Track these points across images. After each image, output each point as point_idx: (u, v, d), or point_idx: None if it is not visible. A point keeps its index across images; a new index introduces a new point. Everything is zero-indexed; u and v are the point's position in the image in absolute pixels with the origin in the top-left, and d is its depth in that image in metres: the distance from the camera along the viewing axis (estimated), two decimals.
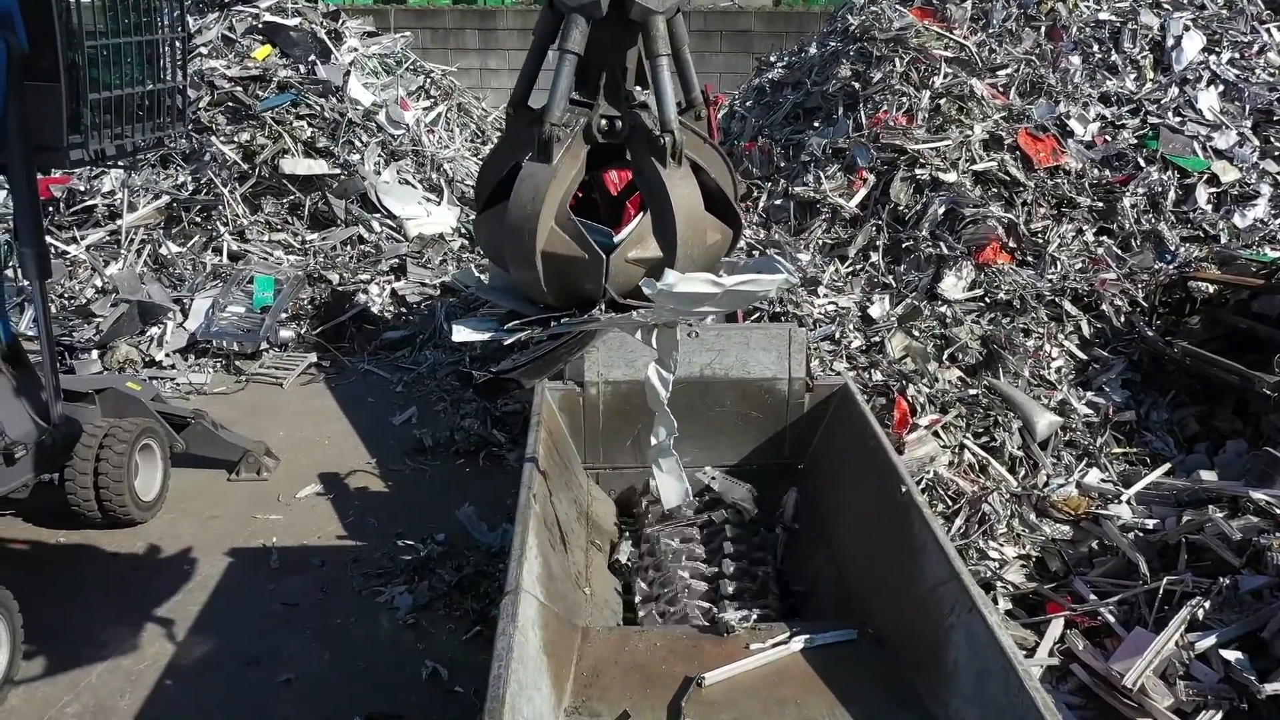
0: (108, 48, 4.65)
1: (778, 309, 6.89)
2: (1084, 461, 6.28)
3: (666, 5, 3.17)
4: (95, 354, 8.29)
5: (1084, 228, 7.82)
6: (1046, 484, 6.09)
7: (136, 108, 4.88)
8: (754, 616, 3.52)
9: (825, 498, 4.47)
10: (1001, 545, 5.61)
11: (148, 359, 8.36)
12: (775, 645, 3.32)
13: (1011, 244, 7.71)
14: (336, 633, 5.26)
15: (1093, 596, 5.04)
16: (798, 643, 3.36)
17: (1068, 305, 7.24)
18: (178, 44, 5.04)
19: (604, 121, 3.29)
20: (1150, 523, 5.54)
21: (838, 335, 6.89)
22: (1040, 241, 7.71)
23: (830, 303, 7.23)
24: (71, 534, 6.07)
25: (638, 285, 3.15)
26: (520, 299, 3.44)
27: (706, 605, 3.92)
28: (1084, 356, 7.03)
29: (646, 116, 3.27)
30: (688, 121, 3.38)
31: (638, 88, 3.40)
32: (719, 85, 13.49)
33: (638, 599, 4.10)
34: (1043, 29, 9.29)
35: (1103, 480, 6.13)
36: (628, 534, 4.64)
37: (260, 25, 11.74)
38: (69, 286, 9.14)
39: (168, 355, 8.42)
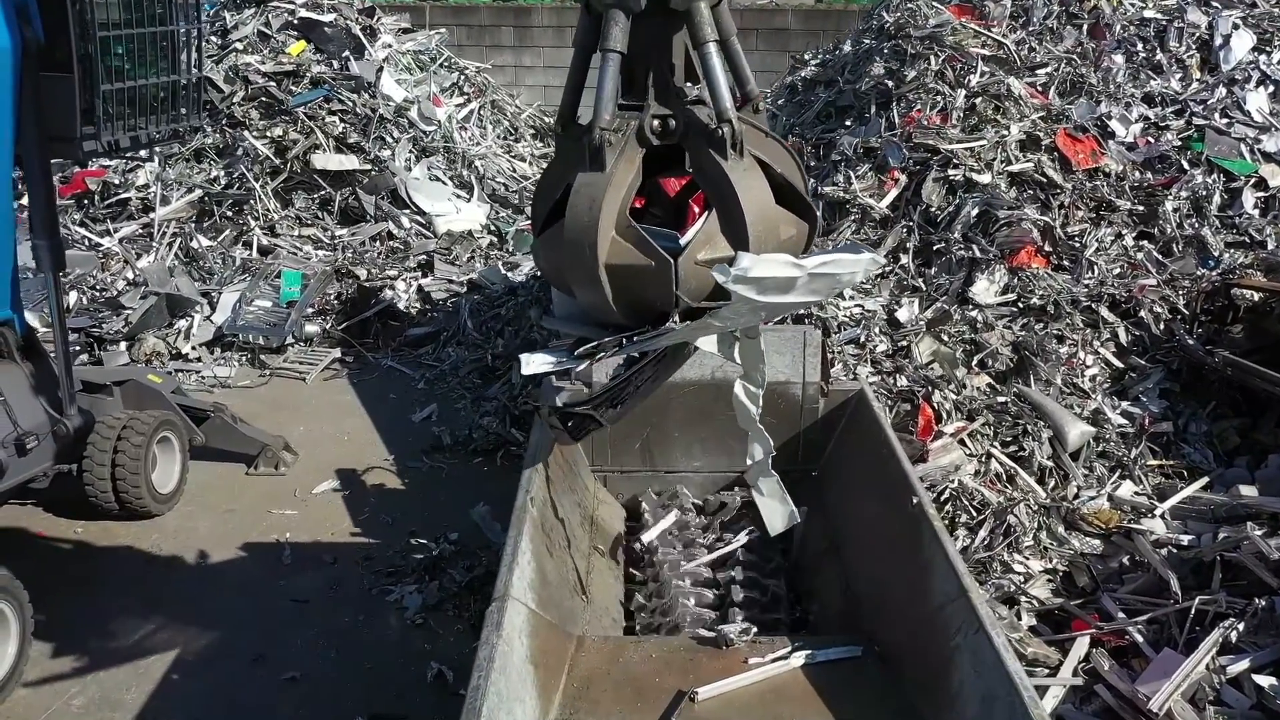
0: (123, 39, 4.64)
1: (801, 310, 6.74)
2: (1117, 473, 6.06)
3: None
4: (123, 346, 8.35)
5: (1123, 232, 7.56)
6: (1077, 496, 5.89)
7: (152, 99, 4.87)
8: (754, 630, 3.40)
9: (838, 506, 4.33)
10: (1027, 558, 5.43)
11: (174, 351, 8.41)
12: (775, 660, 3.19)
13: (1047, 247, 7.48)
14: (344, 631, 5.23)
15: (1121, 614, 4.86)
16: (798, 658, 3.23)
17: (1104, 311, 7.01)
18: (194, 36, 5.01)
19: (656, 122, 3.14)
20: (1185, 539, 5.33)
21: (863, 339, 6.73)
22: (1077, 245, 7.47)
23: (856, 305, 7.06)
24: (89, 525, 6.11)
25: (712, 290, 2.96)
26: (589, 325, 3.30)
27: (707, 616, 3.80)
28: (1120, 365, 6.79)
29: (701, 111, 3.12)
30: (746, 116, 3.22)
31: (688, 84, 3.25)
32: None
33: (634, 607, 3.98)
34: (1085, 27, 9.02)
35: (1136, 493, 5.91)
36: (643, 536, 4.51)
37: (296, 21, 11.80)
38: (100, 278, 9.22)
39: (194, 348, 8.47)
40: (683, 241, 3.11)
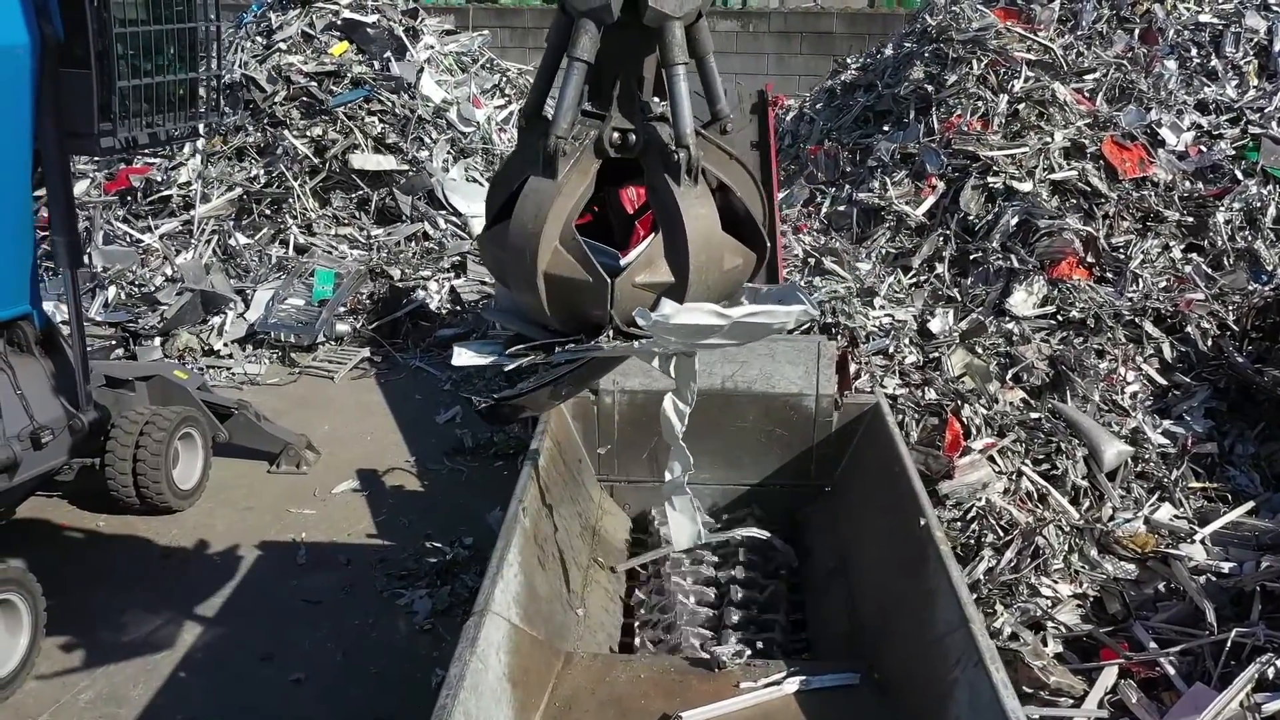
0: (140, 35, 4.65)
1: (829, 319, 6.59)
2: (1156, 495, 5.81)
3: (685, 10, 2.94)
4: (158, 341, 8.44)
5: (1171, 244, 7.30)
6: (1112, 518, 5.65)
7: (170, 96, 4.87)
8: (747, 653, 3.26)
9: (849, 525, 4.18)
10: (1056, 582, 5.21)
11: (207, 348, 8.48)
12: (768, 685, 3.06)
13: (1089, 259, 7.24)
14: (353, 634, 5.19)
15: (1153, 645, 4.63)
16: (792, 684, 3.10)
17: (1148, 326, 6.75)
18: (214, 33, 5.01)
19: (616, 135, 3.08)
20: (1225, 566, 5.08)
21: (891, 349, 6.55)
22: (1121, 257, 7.23)
23: (887, 315, 6.88)
24: (111, 519, 6.15)
25: None
26: (526, 322, 3.27)
27: (706, 635, 3.67)
28: (1164, 382, 6.53)
29: (663, 130, 3.05)
30: (713, 136, 3.16)
31: (656, 98, 3.18)
32: (798, 87, 13.17)
33: (637, 624, 3.86)
34: (1136, 32, 8.74)
35: (1175, 517, 5.65)
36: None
37: (339, 22, 11.88)
38: (140, 274, 9.34)
39: (226, 345, 8.52)
40: (623, 262, 3.07)
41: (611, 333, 2.99)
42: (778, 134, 9.37)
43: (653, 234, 3.09)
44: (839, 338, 6.33)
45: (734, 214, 3.14)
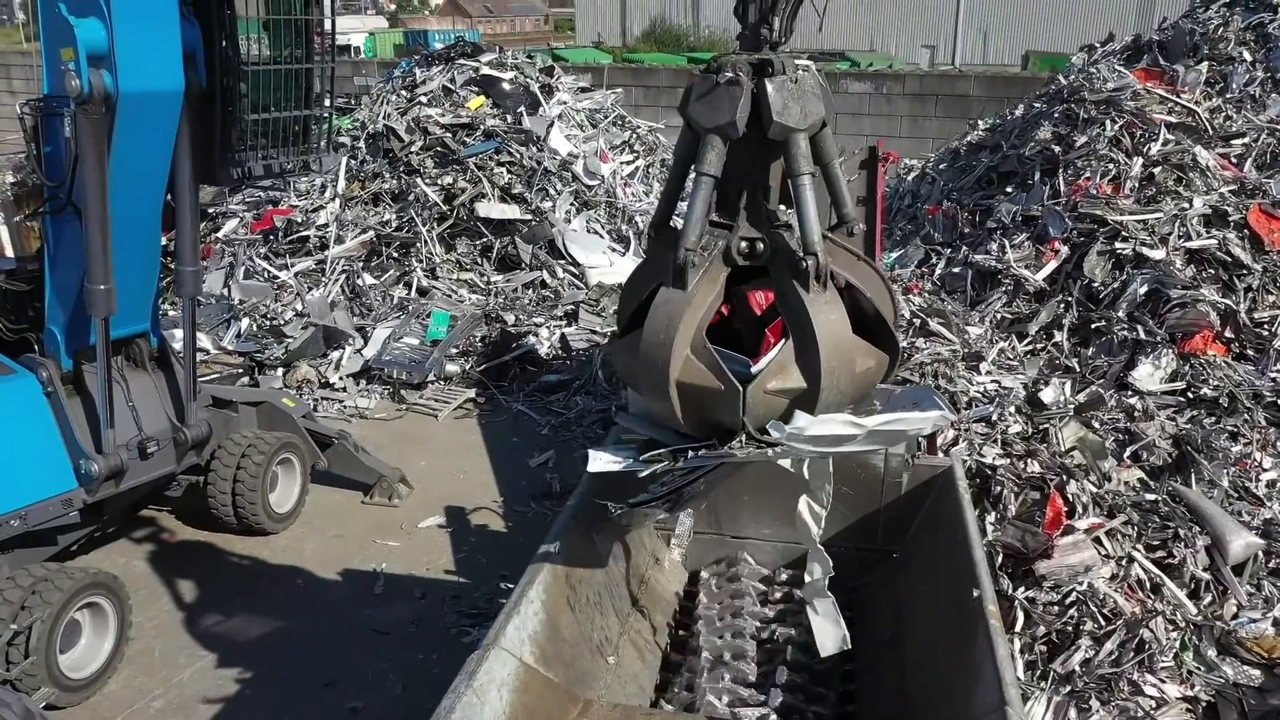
0: (261, 74, 4.92)
1: (927, 381, 6.28)
2: None
3: (809, 122, 3.06)
4: (280, 371, 8.84)
5: None
6: (1235, 616, 5.11)
7: (285, 132, 5.13)
8: (772, 718, 3.05)
9: (910, 594, 3.90)
10: (1163, 681, 4.74)
11: (323, 380, 8.81)
12: None
13: (1227, 334, 6.70)
14: (415, 667, 5.21)
15: None
16: None
17: None
18: (327, 74, 5.26)
19: (744, 244, 3.20)
20: None
21: (994, 417, 6.18)
22: (1265, 333, 6.65)
23: (993, 381, 6.51)
24: (210, 536, 6.42)
25: (779, 419, 3.03)
26: (659, 427, 3.37)
27: (738, 694, 3.47)
28: None
29: (790, 238, 3.14)
30: (839, 238, 3.23)
31: (782, 206, 3.29)
32: (929, 149, 12.88)
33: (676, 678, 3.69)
34: None
35: None
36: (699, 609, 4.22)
37: (478, 77, 12.39)
38: (272, 308, 9.84)
39: (341, 378, 8.84)
40: (755, 369, 3.12)
41: (744, 438, 3.03)
42: (890, 191, 9.15)
43: (783, 340, 3.15)
44: None
45: (863, 314, 3.17)
